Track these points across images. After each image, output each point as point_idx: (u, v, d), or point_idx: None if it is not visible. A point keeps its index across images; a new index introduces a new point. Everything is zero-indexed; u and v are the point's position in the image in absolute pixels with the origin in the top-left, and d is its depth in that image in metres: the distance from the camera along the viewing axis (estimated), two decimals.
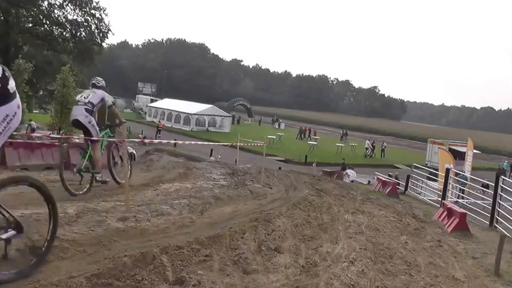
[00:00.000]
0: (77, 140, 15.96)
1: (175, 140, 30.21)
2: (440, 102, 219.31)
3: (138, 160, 18.18)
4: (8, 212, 4.02)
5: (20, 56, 17.34)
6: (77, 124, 7.97)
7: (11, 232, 4.01)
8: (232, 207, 8.53)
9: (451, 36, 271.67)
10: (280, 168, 20.60)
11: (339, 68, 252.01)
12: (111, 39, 80.00)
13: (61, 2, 25.97)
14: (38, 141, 14.97)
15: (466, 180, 14.92)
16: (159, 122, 46.47)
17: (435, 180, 16.70)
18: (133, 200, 8.10)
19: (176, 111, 52.31)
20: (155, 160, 21.58)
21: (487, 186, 13.43)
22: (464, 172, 16.48)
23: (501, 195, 10.49)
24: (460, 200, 13.28)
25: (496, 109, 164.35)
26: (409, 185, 16.48)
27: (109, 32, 27.28)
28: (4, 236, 3.93)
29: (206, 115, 51.26)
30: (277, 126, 57.93)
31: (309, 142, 41.98)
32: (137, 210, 7.20)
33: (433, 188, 16.31)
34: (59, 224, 6.00)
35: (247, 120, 72.31)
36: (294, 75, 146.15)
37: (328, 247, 6.63)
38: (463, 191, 14.25)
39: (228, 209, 8.38)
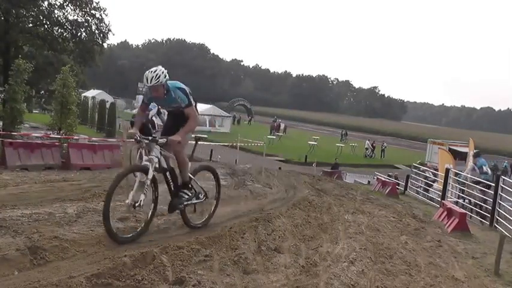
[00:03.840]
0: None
1: None
2: (440, 103, 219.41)
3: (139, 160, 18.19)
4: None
5: (20, 56, 17.32)
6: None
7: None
8: (233, 207, 8.53)
9: (451, 36, 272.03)
10: (280, 168, 20.61)
11: (339, 68, 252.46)
12: (112, 40, 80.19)
13: (61, 2, 25.95)
14: (38, 141, 14.97)
15: (466, 180, 14.90)
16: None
17: (434, 181, 16.73)
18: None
19: None
20: None
21: (487, 187, 13.41)
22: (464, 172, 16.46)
23: (501, 195, 10.50)
24: (460, 200, 13.26)
25: (496, 109, 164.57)
26: (409, 185, 16.50)
27: (109, 32, 27.28)
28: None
29: (206, 115, 51.29)
30: (281, 127, 58.01)
31: (309, 142, 41.93)
32: (137, 210, 7.20)
33: (433, 188, 16.30)
34: (59, 225, 6.03)
35: (252, 121, 72.36)
36: (294, 75, 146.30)
37: (328, 247, 6.64)
38: (463, 191, 14.24)
39: (228, 209, 8.38)
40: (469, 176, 13.18)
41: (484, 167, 13.29)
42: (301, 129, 72.73)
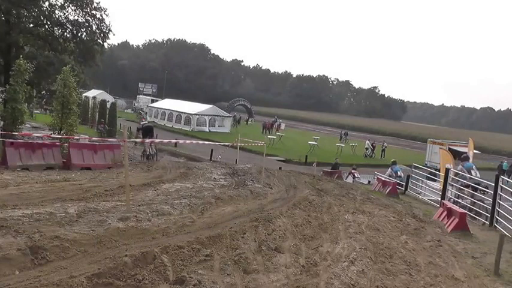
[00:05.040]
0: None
1: (176, 140, 30.22)
2: (440, 103, 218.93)
3: (139, 160, 18.27)
4: None
5: (21, 56, 17.27)
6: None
7: None
8: (233, 207, 8.56)
9: (451, 36, 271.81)
10: (280, 168, 20.63)
11: (339, 68, 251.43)
12: (112, 40, 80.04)
13: (62, 2, 25.92)
14: (39, 141, 14.97)
15: (466, 180, 14.91)
16: (142, 118, 47.07)
17: (435, 180, 16.72)
18: (134, 199, 8.13)
19: (177, 111, 52.30)
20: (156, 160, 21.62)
21: (486, 186, 13.43)
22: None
23: (501, 195, 10.49)
24: (459, 200, 13.26)
25: (496, 109, 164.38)
26: (409, 185, 16.50)
27: (110, 32, 27.20)
28: None
29: (207, 115, 51.28)
30: (279, 127, 58.13)
31: (309, 142, 41.91)
32: (138, 210, 7.23)
33: (433, 188, 16.29)
34: (60, 224, 6.05)
35: (249, 121, 72.38)
36: (294, 75, 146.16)
37: (328, 247, 6.65)
38: (462, 191, 14.23)
39: (229, 208, 8.41)
40: (387, 177, 17.10)
41: (399, 172, 17.55)
42: (301, 129, 72.73)
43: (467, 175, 12.19)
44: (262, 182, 12.15)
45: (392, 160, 20.51)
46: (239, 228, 6.64)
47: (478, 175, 12.24)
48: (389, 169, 18.20)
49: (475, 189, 11.85)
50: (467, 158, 13.40)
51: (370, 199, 11.74)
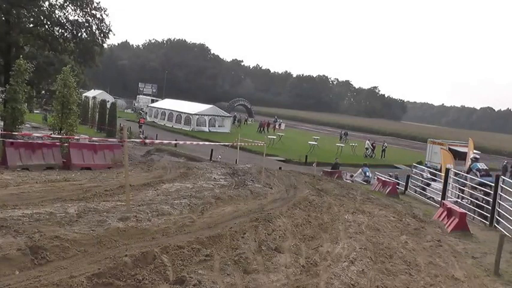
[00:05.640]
0: (77, 140, 16.09)
1: (175, 140, 30.22)
2: (440, 103, 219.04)
3: (140, 160, 18.28)
4: None
5: (21, 56, 17.25)
6: None
7: None
8: (233, 207, 8.56)
9: (451, 36, 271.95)
10: (280, 168, 20.62)
11: (339, 68, 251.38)
12: (112, 40, 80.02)
13: (62, 2, 25.88)
14: (39, 141, 14.97)
15: (466, 180, 14.91)
16: (141, 118, 47.22)
17: (435, 180, 16.71)
18: (134, 199, 8.13)
19: (177, 111, 52.29)
20: (156, 160, 21.65)
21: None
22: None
23: (501, 195, 10.49)
24: (459, 200, 13.26)
25: (496, 109, 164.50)
26: (409, 185, 16.50)
27: (110, 32, 27.17)
28: None
29: (207, 115, 51.28)
30: (277, 127, 58.33)
31: (309, 142, 41.91)
32: (138, 210, 7.23)
33: (433, 188, 16.29)
34: (60, 224, 6.05)
35: (248, 121, 72.46)
36: (294, 75, 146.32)
37: (328, 247, 6.65)
38: (462, 191, 14.24)
39: (229, 208, 8.41)
40: (356, 178, 21.20)
41: (367, 173, 21.20)
42: (301, 129, 72.75)
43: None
44: (262, 182, 12.15)
45: (364, 163, 24.53)
46: (239, 228, 6.63)
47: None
48: (360, 169, 21.65)
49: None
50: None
51: (370, 199, 11.74)
